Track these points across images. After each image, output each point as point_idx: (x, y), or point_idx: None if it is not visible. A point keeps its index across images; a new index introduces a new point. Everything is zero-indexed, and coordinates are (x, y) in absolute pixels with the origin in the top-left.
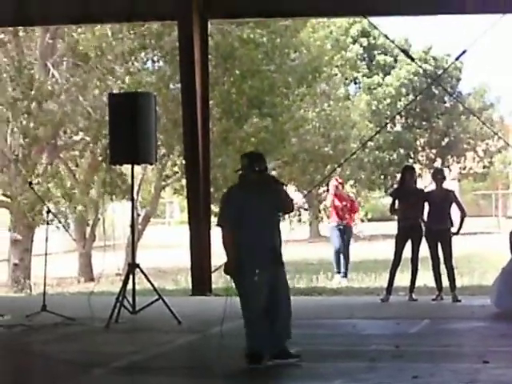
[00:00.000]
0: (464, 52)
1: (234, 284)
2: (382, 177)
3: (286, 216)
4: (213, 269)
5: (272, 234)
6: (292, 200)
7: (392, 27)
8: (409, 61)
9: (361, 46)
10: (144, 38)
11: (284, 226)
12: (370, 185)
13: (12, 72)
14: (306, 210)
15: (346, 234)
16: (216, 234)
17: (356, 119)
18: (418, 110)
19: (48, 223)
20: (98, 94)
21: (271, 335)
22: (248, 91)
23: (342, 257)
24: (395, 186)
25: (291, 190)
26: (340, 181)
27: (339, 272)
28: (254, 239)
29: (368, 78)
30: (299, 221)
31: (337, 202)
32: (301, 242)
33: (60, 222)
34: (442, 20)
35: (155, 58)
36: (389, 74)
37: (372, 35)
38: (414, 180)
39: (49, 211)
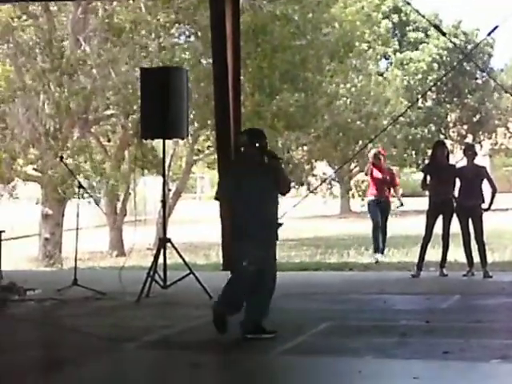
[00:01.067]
0: (496, 28)
1: None
2: (414, 153)
3: (319, 190)
4: None
5: (267, 209)
6: (289, 181)
7: (422, 2)
8: (439, 36)
9: (392, 22)
10: (178, 13)
11: (316, 199)
12: (402, 161)
13: (43, 44)
14: (337, 181)
15: (384, 208)
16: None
17: (388, 95)
18: (449, 85)
19: (79, 197)
20: (130, 68)
21: (247, 306)
22: (280, 66)
23: (380, 233)
24: (426, 161)
25: (323, 164)
26: (382, 152)
27: (377, 249)
28: (249, 214)
29: (400, 53)
30: (330, 194)
31: (376, 174)
32: (331, 218)
33: (91, 196)
34: None
35: (188, 34)
36: (419, 49)
37: (403, 11)
38: (445, 155)
39: (80, 186)
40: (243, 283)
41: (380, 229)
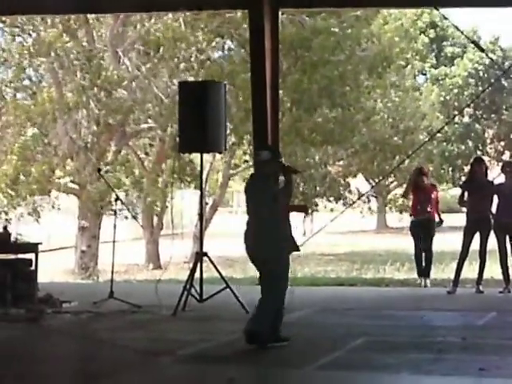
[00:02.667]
0: None
1: None
2: (450, 169)
3: (356, 205)
4: None
5: (258, 227)
6: (280, 201)
7: (460, 17)
8: (476, 51)
9: (428, 36)
10: (221, 26)
11: (353, 214)
12: (438, 177)
13: (82, 60)
14: (374, 197)
15: (428, 228)
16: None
17: (425, 110)
18: (486, 101)
19: (116, 212)
20: (168, 81)
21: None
22: (319, 80)
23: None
24: (463, 178)
25: (360, 179)
26: (425, 171)
27: (420, 272)
28: (246, 229)
29: (435, 68)
30: (369, 208)
31: (419, 191)
32: (368, 233)
33: (129, 210)
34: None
35: (232, 46)
36: (455, 64)
37: (440, 26)
38: (484, 172)
39: (117, 198)
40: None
41: (423, 251)
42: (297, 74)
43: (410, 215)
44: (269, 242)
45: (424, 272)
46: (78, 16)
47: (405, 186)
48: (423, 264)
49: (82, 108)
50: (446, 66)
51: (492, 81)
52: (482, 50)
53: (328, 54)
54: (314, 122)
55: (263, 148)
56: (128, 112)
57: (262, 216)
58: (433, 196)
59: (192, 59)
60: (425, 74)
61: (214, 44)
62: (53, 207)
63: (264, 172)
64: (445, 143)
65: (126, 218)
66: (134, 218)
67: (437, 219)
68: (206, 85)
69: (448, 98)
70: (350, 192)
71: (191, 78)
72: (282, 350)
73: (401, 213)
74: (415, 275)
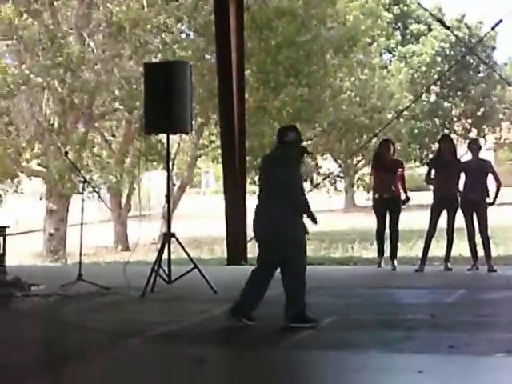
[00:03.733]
0: (500, 21)
1: None
2: (418, 147)
3: (323, 184)
4: (248, 238)
5: (274, 210)
6: (295, 191)
7: None
8: (442, 29)
9: (392, 13)
10: (179, 10)
11: (321, 195)
12: (406, 155)
13: (45, 41)
14: (341, 177)
15: (393, 207)
16: (250, 204)
17: (392, 89)
18: (453, 79)
19: (83, 193)
20: (134, 64)
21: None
22: (284, 61)
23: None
24: (430, 156)
25: (327, 159)
26: (390, 144)
27: (381, 252)
28: (259, 212)
29: (402, 46)
30: (335, 189)
31: (382, 167)
32: (336, 212)
33: (96, 192)
34: None
35: (189, 30)
36: (420, 42)
37: (403, 2)
38: (452, 150)
39: (84, 180)
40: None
41: (390, 230)
42: (262, 55)
43: (374, 192)
44: (297, 224)
45: (391, 254)
46: None
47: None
48: (387, 245)
49: (48, 89)
50: (412, 43)
51: (458, 58)
52: (448, 28)
53: (293, 34)
54: (282, 101)
55: (290, 129)
56: (94, 94)
57: (289, 198)
58: (398, 173)
59: (157, 41)
60: (391, 52)
61: (174, 29)
62: (16, 191)
63: (288, 154)
64: (413, 121)
65: (91, 196)
66: (101, 199)
67: (403, 197)
68: (171, 65)
69: (416, 76)
70: (318, 174)
71: (155, 60)
72: (251, 331)
73: (368, 192)
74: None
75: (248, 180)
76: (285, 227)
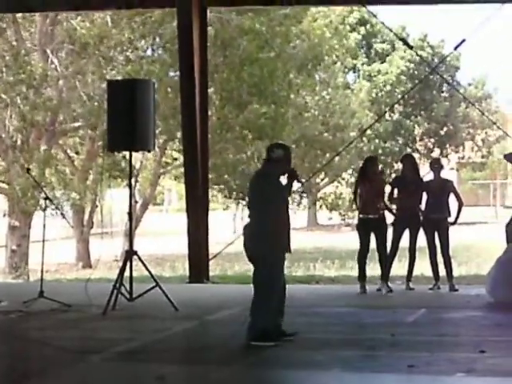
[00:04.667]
0: (463, 41)
1: None
2: (381, 166)
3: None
4: (210, 256)
5: (250, 228)
6: (265, 209)
7: (388, 14)
8: (406, 49)
9: (359, 33)
10: (144, 27)
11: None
12: None
13: (8, 57)
14: (304, 194)
15: (379, 228)
16: (213, 222)
17: (355, 108)
18: (416, 97)
19: (45, 210)
20: (97, 80)
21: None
22: (247, 79)
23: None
24: (393, 175)
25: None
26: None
27: (362, 277)
28: (244, 230)
29: (368, 65)
30: (298, 204)
31: (369, 185)
32: (299, 230)
33: (58, 208)
34: (438, 7)
35: (155, 47)
36: (386, 61)
37: (370, 23)
38: (413, 168)
39: (46, 197)
40: None
41: (380, 254)
42: (225, 73)
43: (358, 211)
44: (265, 241)
45: (383, 276)
46: (6, 15)
47: (353, 181)
48: (374, 267)
49: (10, 106)
50: (376, 62)
51: (422, 75)
52: (411, 48)
53: (256, 52)
54: (245, 119)
55: (277, 146)
56: (56, 110)
57: (259, 214)
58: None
59: (121, 58)
60: (355, 72)
61: (141, 43)
62: None
63: (271, 171)
64: (376, 140)
65: (54, 214)
66: (63, 215)
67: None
68: (134, 83)
69: (380, 95)
70: None
71: (119, 77)
72: (212, 349)
73: (330, 211)
74: (345, 272)
75: (210, 197)
76: (253, 244)
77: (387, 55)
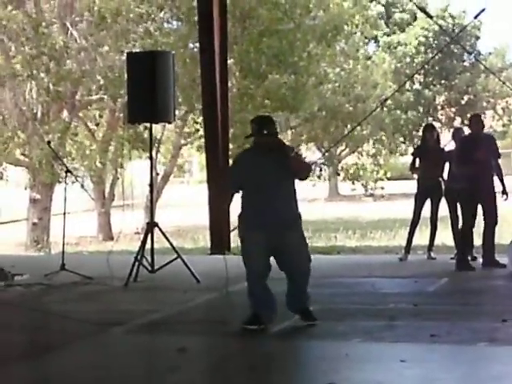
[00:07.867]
0: (483, 10)
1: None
2: (402, 136)
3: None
4: (231, 227)
5: (283, 198)
6: (307, 165)
7: None
8: (426, 18)
9: (379, 3)
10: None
11: (304, 183)
12: (390, 144)
13: (29, 30)
14: (325, 165)
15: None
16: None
17: (376, 78)
18: (437, 68)
19: (66, 182)
20: (117, 53)
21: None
22: (267, 50)
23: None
24: (415, 145)
25: (311, 148)
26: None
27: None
28: (262, 204)
29: (387, 36)
30: (319, 177)
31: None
32: (319, 201)
33: (78, 181)
34: None
35: (171, 19)
36: (405, 31)
37: None
38: (435, 138)
39: (67, 171)
40: (254, 278)
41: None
42: (244, 44)
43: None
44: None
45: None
46: None
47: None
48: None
49: (31, 78)
50: (395, 33)
51: (442, 44)
52: (430, 17)
53: (275, 23)
54: (266, 89)
55: (270, 121)
56: (77, 83)
57: (285, 188)
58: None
59: (141, 30)
60: (377, 42)
61: (161, 14)
62: (1, 178)
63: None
64: (397, 111)
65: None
66: (84, 188)
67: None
68: (153, 55)
69: (399, 65)
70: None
71: (138, 49)
72: (233, 320)
73: (353, 183)
74: (367, 242)
75: None
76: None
77: (407, 25)
